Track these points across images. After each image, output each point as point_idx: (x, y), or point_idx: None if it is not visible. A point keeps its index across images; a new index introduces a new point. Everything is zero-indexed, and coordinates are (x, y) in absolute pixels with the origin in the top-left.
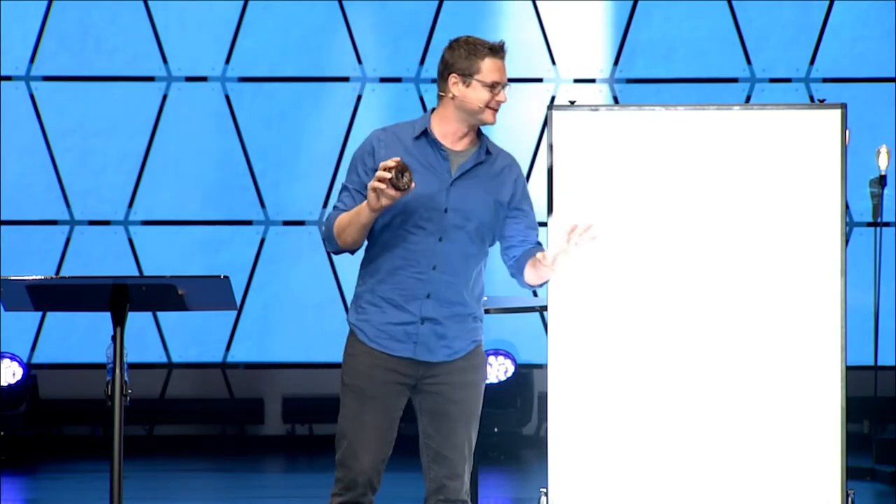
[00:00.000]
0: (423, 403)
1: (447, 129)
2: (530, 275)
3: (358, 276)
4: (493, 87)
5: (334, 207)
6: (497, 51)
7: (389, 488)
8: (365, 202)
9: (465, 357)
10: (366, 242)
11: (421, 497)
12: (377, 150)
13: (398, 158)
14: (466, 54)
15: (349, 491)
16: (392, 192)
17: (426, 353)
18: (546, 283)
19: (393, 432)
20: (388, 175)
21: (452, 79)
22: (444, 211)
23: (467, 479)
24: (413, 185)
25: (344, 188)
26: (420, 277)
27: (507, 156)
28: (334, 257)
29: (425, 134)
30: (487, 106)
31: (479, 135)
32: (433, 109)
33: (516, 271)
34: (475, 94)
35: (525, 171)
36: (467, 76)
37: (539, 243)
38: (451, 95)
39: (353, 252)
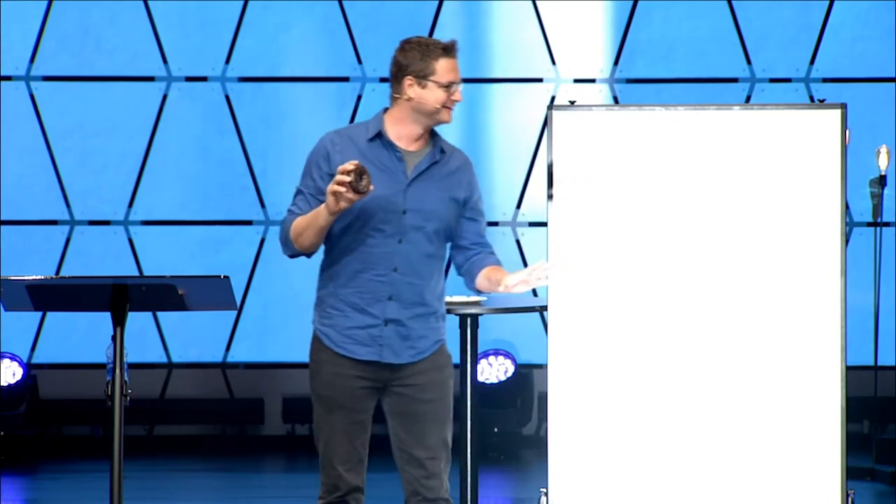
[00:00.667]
0: (393, 406)
1: (402, 131)
2: (483, 284)
3: (318, 280)
4: (448, 87)
5: (289, 211)
6: (450, 50)
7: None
8: (322, 205)
9: (429, 357)
10: (323, 246)
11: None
12: (332, 154)
13: (356, 162)
14: (420, 56)
15: (331, 494)
16: (351, 195)
17: (391, 355)
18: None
19: (365, 434)
20: (347, 178)
21: (408, 81)
22: (402, 212)
23: (446, 478)
24: (372, 187)
25: (298, 192)
26: (381, 280)
27: (460, 155)
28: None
29: (379, 136)
30: (444, 106)
31: (433, 134)
32: (385, 110)
33: (467, 274)
34: (431, 95)
35: (525, 171)
36: (422, 78)
37: (492, 252)
38: (406, 97)
39: (308, 255)
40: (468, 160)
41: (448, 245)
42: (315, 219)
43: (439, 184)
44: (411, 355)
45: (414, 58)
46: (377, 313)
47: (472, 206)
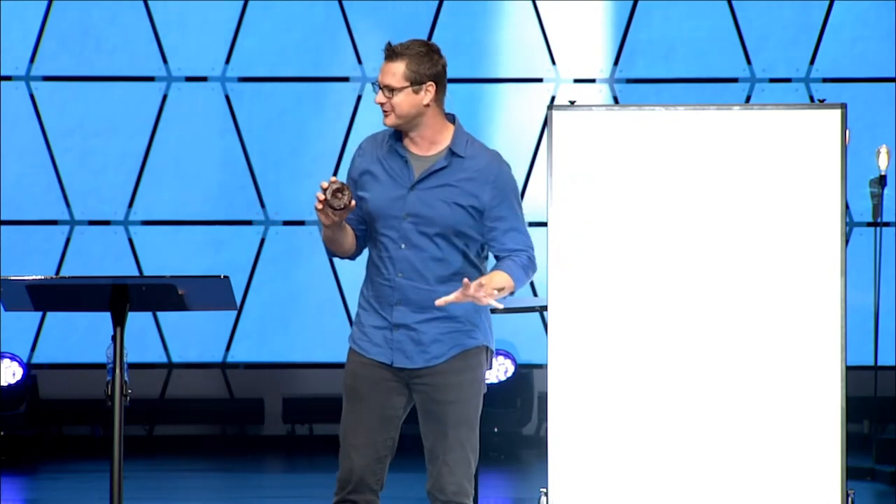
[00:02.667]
0: (417, 401)
1: (414, 135)
2: None
3: None
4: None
5: None
6: (385, 52)
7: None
8: None
9: (448, 361)
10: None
11: (423, 497)
12: (356, 159)
13: (333, 178)
14: None
15: (343, 489)
16: (329, 212)
17: (403, 359)
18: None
19: (388, 432)
20: (321, 196)
21: None
22: (403, 217)
23: (465, 481)
24: (353, 203)
25: None
26: (389, 284)
27: (483, 157)
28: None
29: (394, 142)
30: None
31: (453, 138)
32: None
33: None
34: None
35: (525, 171)
36: None
37: (513, 257)
38: None
39: (354, 258)
40: (493, 164)
41: (471, 248)
42: (322, 233)
43: (444, 189)
44: (425, 360)
45: None
46: (387, 316)
47: (489, 213)
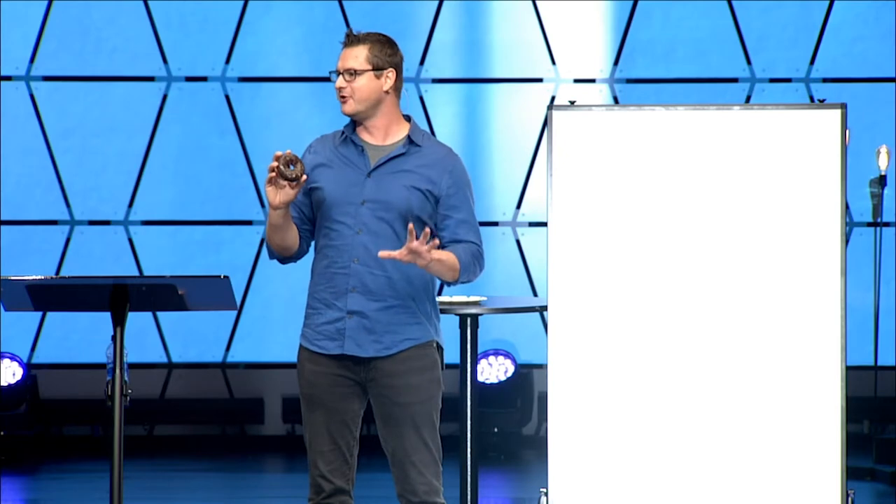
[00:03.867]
0: (375, 406)
1: (369, 125)
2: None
3: None
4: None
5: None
6: (347, 38)
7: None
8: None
9: (403, 358)
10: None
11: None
12: (306, 156)
13: (289, 150)
14: None
15: (318, 495)
16: (284, 183)
17: (354, 347)
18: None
19: (350, 434)
20: (274, 164)
21: None
22: (360, 203)
23: (435, 480)
24: (305, 176)
25: None
26: (344, 272)
27: (442, 150)
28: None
29: (350, 134)
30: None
31: (411, 129)
32: None
33: None
34: None
35: (525, 171)
36: None
37: (461, 247)
38: None
39: (292, 259)
40: (451, 156)
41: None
42: (269, 217)
43: (402, 175)
44: (377, 349)
45: None
46: (342, 306)
47: (445, 201)
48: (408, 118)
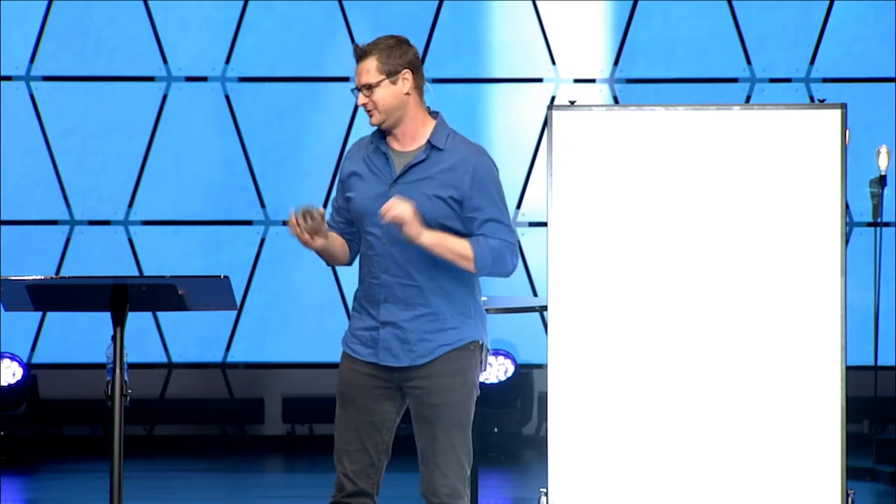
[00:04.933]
0: (410, 405)
1: (397, 132)
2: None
3: None
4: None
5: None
6: (355, 54)
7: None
8: None
9: (437, 362)
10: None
11: (418, 497)
12: (344, 163)
13: (300, 209)
14: None
15: (339, 492)
16: (306, 237)
17: (389, 357)
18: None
19: (381, 436)
20: (296, 229)
21: None
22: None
23: (458, 483)
24: (320, 210)
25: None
26: (377, 282)
27: (463, 149)
28: None
29: (377, 140)
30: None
31: (433, 131)
32: None
33: None
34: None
35: (525, 171)
36: None
37: (480, 235)
38: None
39: (350, 263)
40: (473, 156)
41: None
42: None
43: (423, 183)
44: (411, 359)
45: None
46: (376, 315)
47: (468, 203)
48: (435, 115)
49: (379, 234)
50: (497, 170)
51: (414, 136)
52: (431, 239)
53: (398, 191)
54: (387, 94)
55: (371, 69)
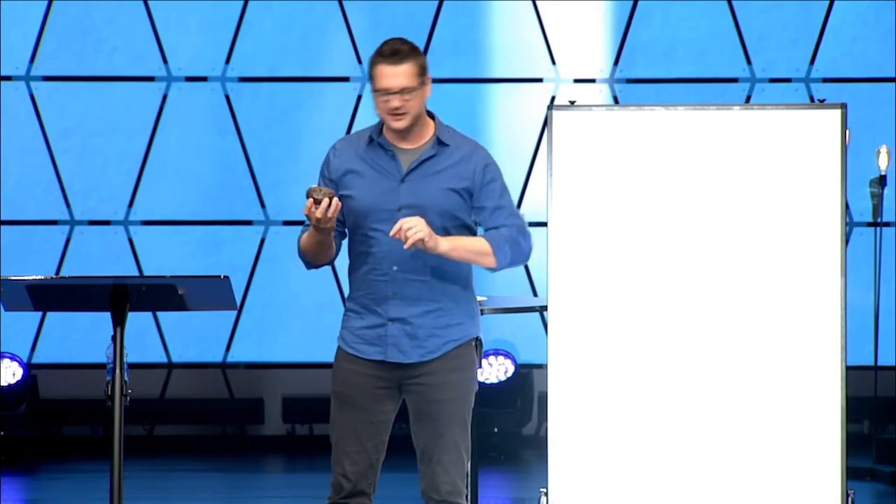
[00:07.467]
0: (409, 402)
1: (394, 132)
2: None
3: None
4: (381, 94)
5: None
6: (385, 56)
7: (389, 489)
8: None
9: (442, 358)
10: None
11: (417, 496)
12: (331, 160)
13: (315, 187)
14: (370, 65)
15: (337, 494)
16: (319, 213)
17: (398, 354)
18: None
19: (378, 437)
20: (310, 204)
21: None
22: (397, 209)
23: (459, 481)
24: (332, 193)
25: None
26: (384, 278)
27: (467, 145)
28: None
29: (376, 138)
30: (386, 113)
31: (437, 128)
32: None
33: None
34: (376, 103)
35: (525, 171)
36: (372, 86)
37: (501, 226)
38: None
39: (327, 265)
40: (476, 150)
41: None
42: (313, 233)
43: (436, 177)
44: (420, 354)
45: (369, 66)
46: (382, 312)
47: (477, 195)
48: (431, 115)
49: (388, 229)
50: (495, 161)
51: (418, 134)
52: (448, 244)
53: (409, 187)
54: (419, 98)
55: (410, 73)
